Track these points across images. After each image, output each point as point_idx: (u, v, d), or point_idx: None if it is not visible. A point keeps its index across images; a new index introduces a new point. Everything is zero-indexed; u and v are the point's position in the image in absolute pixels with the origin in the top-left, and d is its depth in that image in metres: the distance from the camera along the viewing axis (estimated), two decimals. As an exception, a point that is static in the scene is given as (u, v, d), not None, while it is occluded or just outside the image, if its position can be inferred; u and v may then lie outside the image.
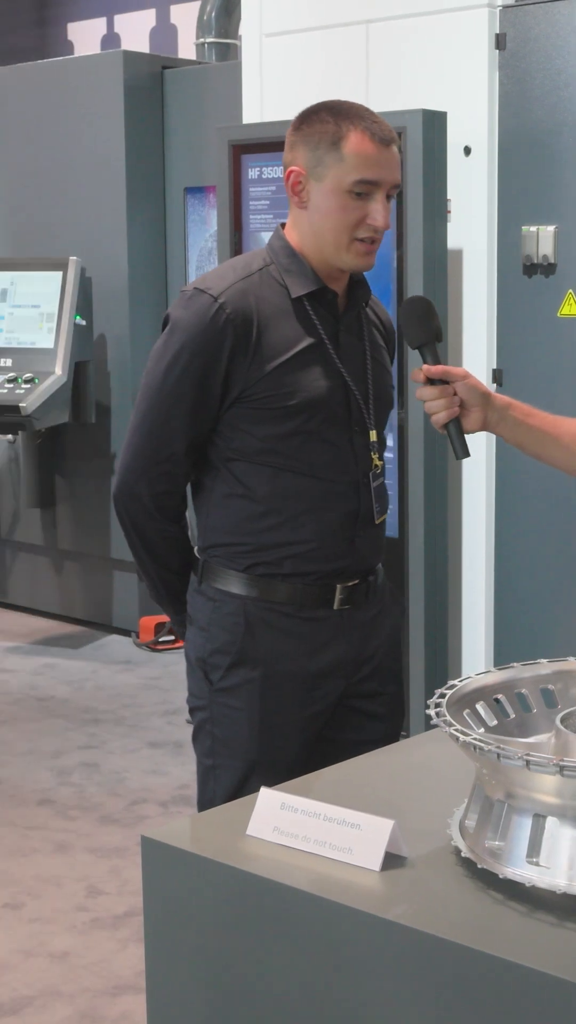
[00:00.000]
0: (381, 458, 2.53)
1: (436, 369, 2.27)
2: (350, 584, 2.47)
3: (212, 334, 2.37)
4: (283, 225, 2.49)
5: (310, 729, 2.50)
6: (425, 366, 2.28)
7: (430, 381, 2.27)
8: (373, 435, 2.50)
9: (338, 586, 2.46)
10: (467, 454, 2.28)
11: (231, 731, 2.46)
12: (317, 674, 2.47)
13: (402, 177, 4.15)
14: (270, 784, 2.39)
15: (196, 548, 2.54)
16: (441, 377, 2.27)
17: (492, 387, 4.36)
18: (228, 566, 2.46)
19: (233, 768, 2.46)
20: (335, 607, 2.46)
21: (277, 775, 2.43)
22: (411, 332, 2.32)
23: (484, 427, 2.29)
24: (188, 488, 2.55)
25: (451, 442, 2.29)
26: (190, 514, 2.57)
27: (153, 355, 2.45)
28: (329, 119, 2.38)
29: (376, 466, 2.51)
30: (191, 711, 2.56)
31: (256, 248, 2.67)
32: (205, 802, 2.50)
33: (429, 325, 2.32)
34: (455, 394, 2.26)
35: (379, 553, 2.55)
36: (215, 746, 2.48)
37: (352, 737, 2.53)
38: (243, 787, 2.44)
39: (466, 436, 2.29)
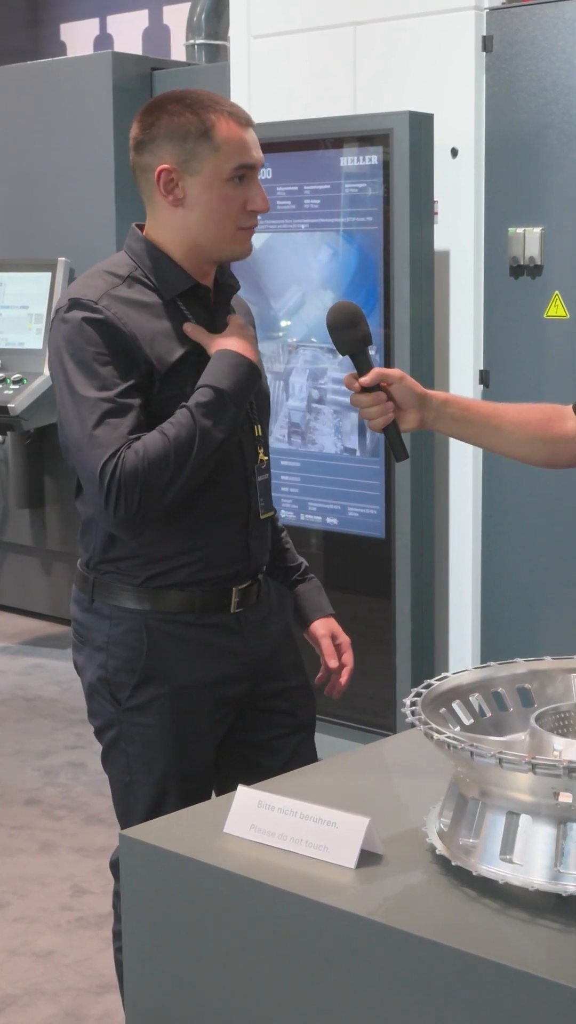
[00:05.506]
0: (266, 453, 2.50)
1: (369, 377, 2.21)
2: (244, 586, 2.46)
3: (100, 333, 2.28)
4: (139, 226, 2.43)
5: (221, 733, 2.49)
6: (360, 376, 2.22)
7: (364, 388, 2.22)
8: (258, 430, 2.48)
9: (234, 589, 2.44)
10: (406, 456, 2.26)
11: (145, 748, 2.42)
12: (223, 679, 2.44)
13: (390, 178, 4.24)
14: (189, 793, 2.39)
15: (80, 562, 2.47)
16: (376, 382, 2.21)
17: (479, 388, 4.37)
18: (123, 581, 2.40)
19: (151, 783, 2.43)
20: (232, 610, 2.44)
21: (195, 782, 2.43)
22: (341, 340, 2.23)
23: (422, 426, 2.26)
24: (76, 503, 2.43)
25: (391, 445, 2.25)
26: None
27: (57, 380, 2.33)
28: (186, 111, 2.32)
29: (262, 461, 2.47)
30: (96, 731, 2.50)
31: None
32: (128, 817, 2.46)
33: (358, 331, 2.23)
34: (389, 398, 2.22)
35: (267, 551, 2.53)
36: (131, 763, 2.44)
37: (264, 736, 2.53)
38: (163, 799, 2.42)
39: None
